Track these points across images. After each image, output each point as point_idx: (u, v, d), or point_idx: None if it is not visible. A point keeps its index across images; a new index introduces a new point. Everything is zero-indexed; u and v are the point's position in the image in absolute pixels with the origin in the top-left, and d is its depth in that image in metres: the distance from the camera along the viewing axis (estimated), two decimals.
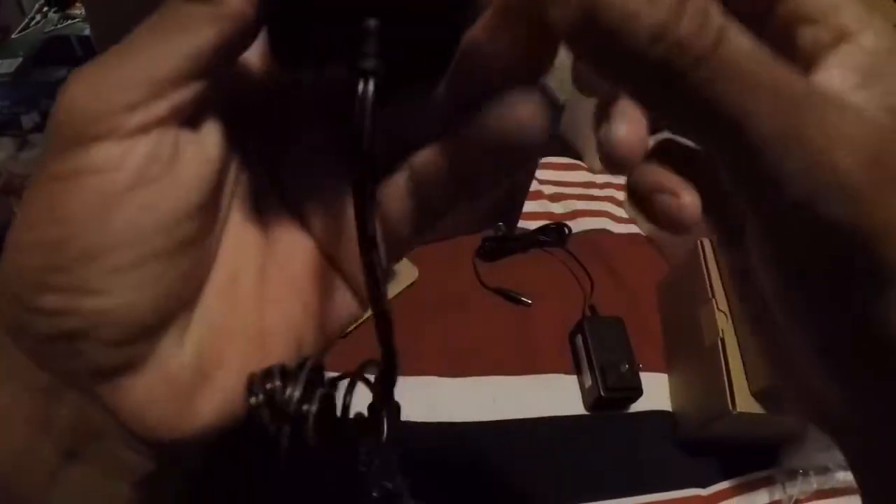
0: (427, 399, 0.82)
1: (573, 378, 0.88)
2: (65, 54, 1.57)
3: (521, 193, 0.94)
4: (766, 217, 0.27)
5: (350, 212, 0.25)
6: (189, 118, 0.27)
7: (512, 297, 0.94)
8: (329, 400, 0.27)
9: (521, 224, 1.02)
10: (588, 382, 0.86)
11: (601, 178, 1.17)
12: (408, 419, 0.81)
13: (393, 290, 0.89)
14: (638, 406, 0.87)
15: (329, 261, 0.32)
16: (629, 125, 0.28)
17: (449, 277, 0.95)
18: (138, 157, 0.25)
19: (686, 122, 0.25)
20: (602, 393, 0.83)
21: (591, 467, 0.82)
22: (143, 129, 0.25)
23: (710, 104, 0.23)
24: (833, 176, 0.23)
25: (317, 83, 0.31)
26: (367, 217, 0.25)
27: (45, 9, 1.62)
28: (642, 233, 1.10)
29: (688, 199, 0.28)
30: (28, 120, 1.44)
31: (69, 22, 1.60)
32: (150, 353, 0.27)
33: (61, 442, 0.28)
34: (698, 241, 0.92)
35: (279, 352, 0.30)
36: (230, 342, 0.30)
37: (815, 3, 0.27)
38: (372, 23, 0.24)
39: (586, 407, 0.87)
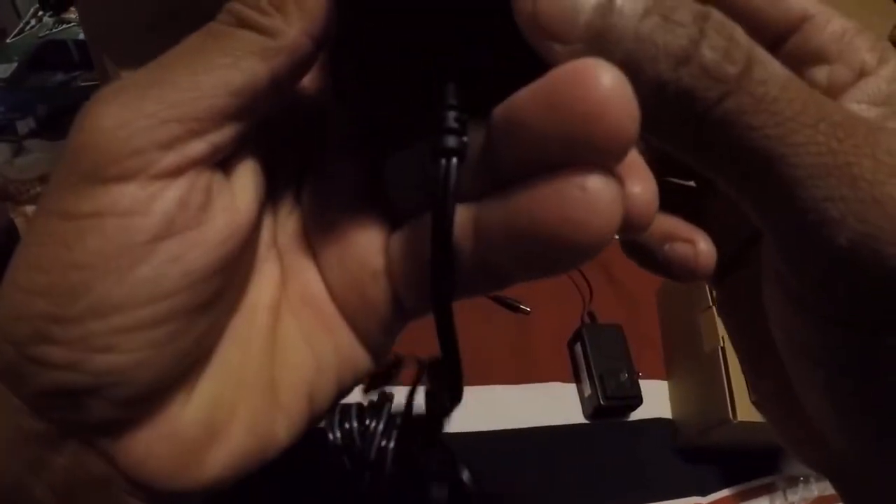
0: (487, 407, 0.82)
1: (572, 386, 0.88)
2: (60, 58, 1.56)
3: None
4: (803, 265, 0.24)
5: (364, 263, 0.25)
6: (224, 159, 0.24)
7: (510, 305, 0.93)
8: (404, 433, 0.27)
9: None
10: (587, 391, 0.86)
11: None
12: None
13: None
14: (637, 414, 0.87)
15: (342, 312, 0.29)
16: (642, 183, 0.24)
17: None
18: (168, 202, 0.22)
19: (708, 160, 0.23)
20: (601, 401, 0.83)
21: (590, 476, 0.81)
22: (176, 172, 0.22)
23: (739, 140, 0.21)
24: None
25: (355, 117, 0.28)
26: (445, 307, 0.25)
27: (41, 13, 1.61)
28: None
29: (704, 247, 0.27)
30: (23, 125, 1.43)
31: (65, 26, 1.60)
32: (159, 410, 0.24)
33: (56, 486, 0.24)
34: None
35: (291, 406, 0.28)
36: (242, 396, 0.26)
37: (829, 43, 0.26)
38: (452, 96, 0.22)
39: (586, 415, 0.86)
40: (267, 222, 0.28)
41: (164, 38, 0.82)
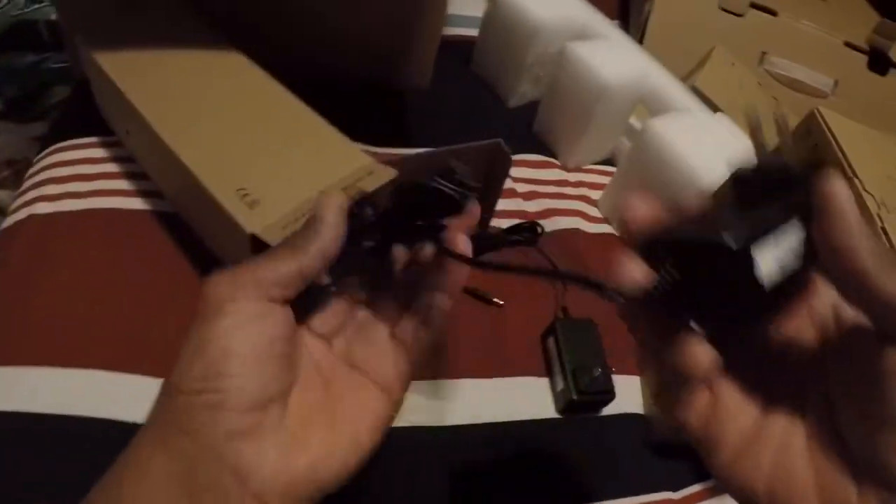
0: (454, 401, 0.82)
1: (545, 381, 0.87)
2: (32, 39, 1.54)
3: (495, 191, 0.93)
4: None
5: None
6: (278, 300, 0.46)
7: (483, 298, 0.93)
8: None
9: (494, 222, 1.00)
10: (560, 385, 0.85)
11: (574, 177, 1.16)
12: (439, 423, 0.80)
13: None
14: (610, 409, 0.87)
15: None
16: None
17: None
18: (251, 310, 0.44)
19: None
20: (574, 396, 0.82)
21: (562, 471, 0.81)
22: (253, 300, 0.44)
23: None
24: None
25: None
26: None
27: None
28: (615, 233, 1.09)
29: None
30: None
31: (36, 6, 1.57)
32: (262, 423, 0.43)
33: (193, 497, 0.41)
34: None
35: (346, 433, 0.48)
36: (312, 423, 0.46)
37: None
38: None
39: (558, 410, 0.86)
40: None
41: (136, 20, 0.82)
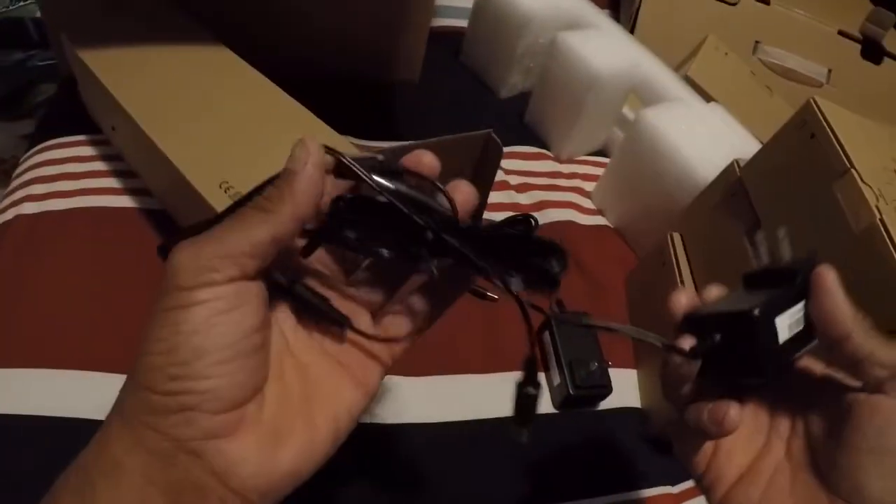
0: (391, 400, 0.80)
1: (541, 376, 0.86)
2: (18, 37, 1.53)
3: (487, 183, 0.92)
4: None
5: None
6: (254, 276, 0.41)
7: (477, 293, 0.92)
8: None
9: (486, 215, 1.00)
10: (556, 380, 0.84)
11: (567, 168, 1.15)
12: (373, 422, 0.79)
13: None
14: (607, 403, 0.86)
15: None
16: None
17: None
18: (225, 296, 0.39)
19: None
20: (571, 391, 0.82)
21: (559, 466, 0.80)
22: (226, 281, 0.39)
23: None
24: None
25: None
26: None
27: None
28: (610, 224, 1.09)
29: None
30: None
31: (22, 3, 1.56)
32: (241, 421, 0.41)
33: (171, 496, 0.39)
34: (668, 234, 0.90)
35: (326, 423, 0.45)
36: (292, 412, 0.44)
37: (892, 359, 0.44)
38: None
39: (555, 405, 0.85)
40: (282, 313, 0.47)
41: (121, 17, 0.80)
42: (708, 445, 0.53)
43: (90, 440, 0.41)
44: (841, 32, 1.37)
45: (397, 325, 0.50)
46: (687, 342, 0.49)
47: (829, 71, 1.37)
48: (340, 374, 0.47)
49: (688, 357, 0.49)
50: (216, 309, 0.39)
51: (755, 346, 0.46)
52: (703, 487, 0.53)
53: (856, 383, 0.46)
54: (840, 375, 0.49)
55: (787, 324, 0.47)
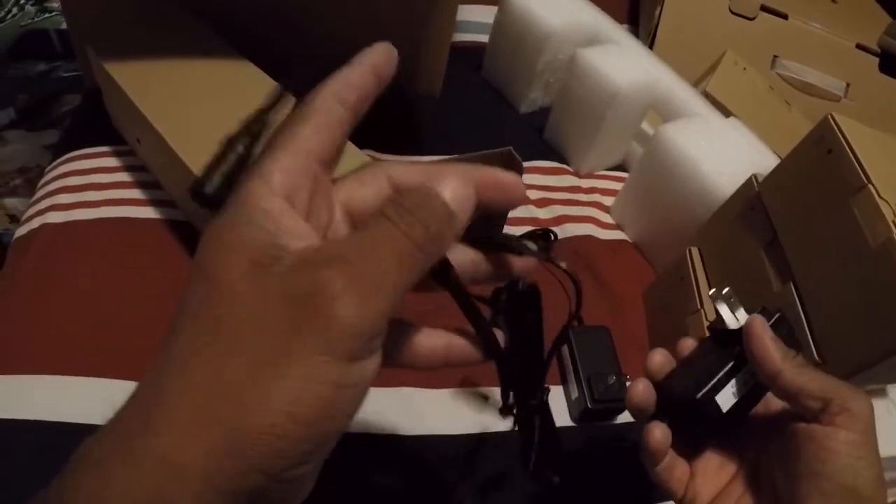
0: (409, 412, 0.81)
1: (559, 389, 0.87)
2: (42, 48, 1.54)
3: None
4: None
5: None
6: None
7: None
8: None
9: (506, 230, 1.00)
10: (574, 393, 0.85)
11: (587, 183, 1.16)
12: (394, 433, 0.79)
13: None
14: (625, 416, 0.86)
15: None
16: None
17: (430, 284, 0.93)
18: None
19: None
20: (589, 404, 0.82)
21: (577, 479, 0.80)
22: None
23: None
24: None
25: None
26: None
27: (22, 1, 1.59)
28: (628, 239, 1.09)
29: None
30: (3, 116, 1.42)
31: (47, 15, 1.58)
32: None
33: None
34: (687, 249, 0.91)
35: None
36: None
37: (822, 390, 0.49)
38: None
39: (573, 418, 0.86)
40: None
41: (147, 30, 0.81)
42: (684, 471, 0.58)
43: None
44: (859, 46, 1.36)
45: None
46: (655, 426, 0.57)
47: (848, 85, 1.37)
48: None
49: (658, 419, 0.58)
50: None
51: (703, 420, 0.56)
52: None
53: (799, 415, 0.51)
54: (790, 409, 0.53)
55: (731, 392, 0.55)
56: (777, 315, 0.56)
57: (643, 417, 0.59)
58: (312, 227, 0.35)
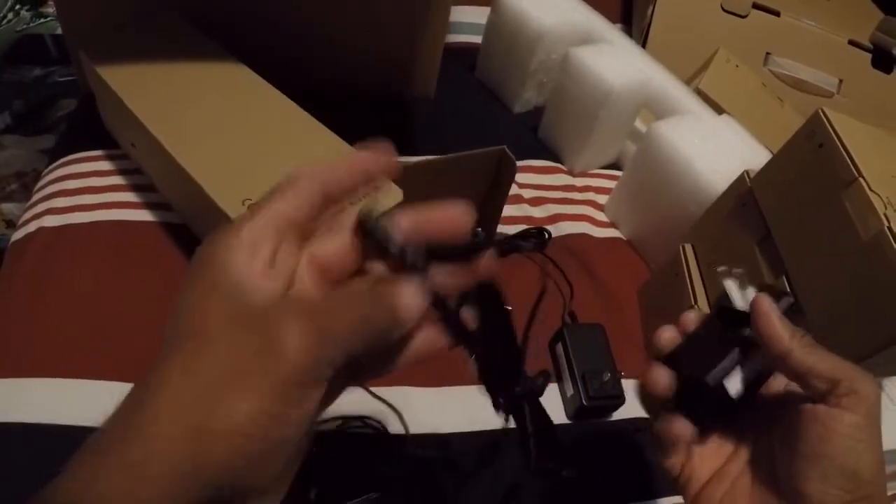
0: (406, 411, 0.81)
1: (554, 386, 0.87)
2: (38, 53, 1.54)
3: (501, 198, 0.93)
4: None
5: None
6: None
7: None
8: None
9: (500, 228, 1.01)
10: (570, 391, 0.85)
11: (581, 182, 1.16)
12: (398, 432, 0.80)
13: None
14: (620, 413, 0.87)
15: None
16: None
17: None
18: None
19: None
20: (584, 402, 0.83)
21: (573, 476, 0.81)
22: None
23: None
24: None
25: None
26: None
27: (18, 6, 1.59)
28: (623, 237, 1.10)
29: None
30: None
31: (42, 20, 1.57)
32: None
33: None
34: (681, 246, 0.91)
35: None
36: None
37: (830, 371, 0.48)
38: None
39: (568, 416, 0.86)
40: None
41: (139, 34, 0.82)
42: (682, 450, 0.58)
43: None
44: (851, 42, 1.37)
45: None
46: (660, 384, 0.56)
47: (840, 81, 1.37)
48: None
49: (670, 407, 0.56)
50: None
51: (711, 405, 0.55)
52: (680, 485, 0.58)
53: (805, 395, 0.50)
54: (796, 389, 0.52)
55: (739, 376, 0.54)
56: (784, 296, 0.57)
57: (657, 405, 0.58)
58: (275, 274, 0.41)
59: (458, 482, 0.78)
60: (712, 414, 0.56)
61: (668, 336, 0.59)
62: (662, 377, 0.56)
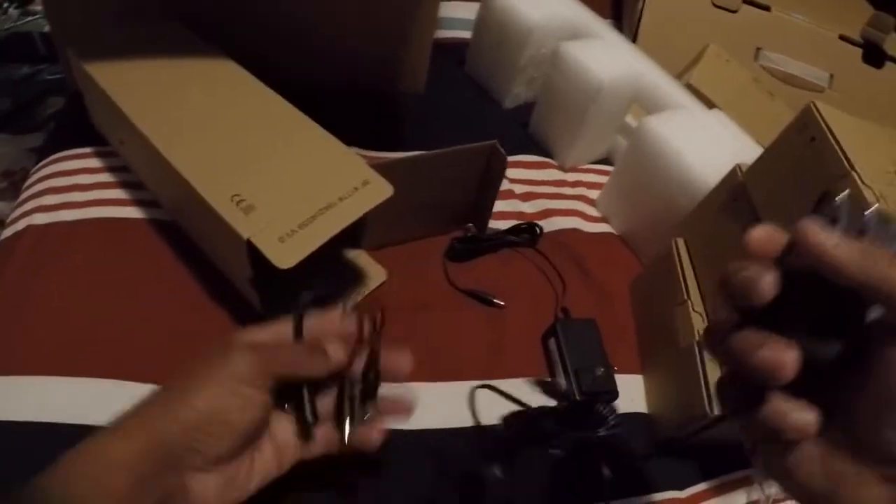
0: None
1: (547, 382, 0.87)
2: (26, 51, 1.54)
3: (492, 193, 0.93)
4: None
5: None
6: None
7: (484, 300, 0.93)
8: None
9: (492, 224, 1.00)
10: (563, 386, 0.85)
11: (572, 177, 1.16)
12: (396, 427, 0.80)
13: (360, 292, 0.88)
14: None
15: None
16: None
17: (418, 280, 0.93)
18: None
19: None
20: (577, 397, 0.82)
21: (567, 471, 0.81)
22: None
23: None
24: None
25: None
26: None
27: (5, 4, 1.58)
28: (614, 231, 1.09)
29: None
30: None
31: (30, 18, 1.57)
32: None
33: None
34: (672, 240, 0.91)
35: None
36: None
37: None
38: None
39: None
40: None
41: (127, 31, 0.82)
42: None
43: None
44: (842, 37, 1.37)
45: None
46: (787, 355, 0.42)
47: (831, 76, 1.38)
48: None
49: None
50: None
51: (851, 323, 0.42)
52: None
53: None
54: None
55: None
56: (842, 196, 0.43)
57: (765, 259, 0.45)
58: None
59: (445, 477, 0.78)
60: (836, 341, 0.43)
61: (770, 280, 0.43)
62: (787, 354, 0.42)
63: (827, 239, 0.41)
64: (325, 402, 0.67)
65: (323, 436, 0.66)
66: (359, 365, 0.67)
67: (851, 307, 0.42)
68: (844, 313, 0.43)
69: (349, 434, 0.65)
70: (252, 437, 0.60)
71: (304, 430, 0.65)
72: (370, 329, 0.68)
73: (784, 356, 0.41)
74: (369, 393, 0.67)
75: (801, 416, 0.43)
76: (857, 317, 0.42)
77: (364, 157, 0.78)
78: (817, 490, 0.43)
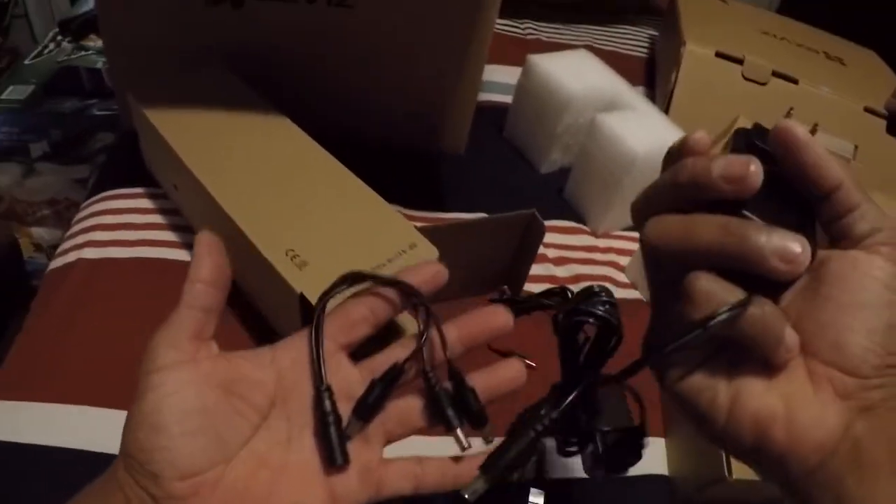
0: None
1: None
2: (76, 85, 1.58)
3: (529, 258, 0.96)
4: None
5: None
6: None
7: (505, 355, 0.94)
8: None
9: (526, 287, 1.03)
10: (588, 446, 0.87)
11: (604, 243, 1.18)
12: None
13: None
14: (636, 470, 0.88)
15: None
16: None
17: None
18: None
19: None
20: (602, 457, 0.84)
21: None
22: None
23: None
24: None
25: None
26: None
27: (59, 38, 1.63)
28: (643, 298, 1.12)
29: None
30: (37, 148, 1.45)
31: (82, 53, 1.61)
32: (199, 487, 0.47)
33: None
34: None
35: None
36: (252, 495, 0.50)
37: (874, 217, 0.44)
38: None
39: (586, 470, 0.87)
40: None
41: (186, 80, 0.87)
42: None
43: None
44: (867, 109, 1.39)
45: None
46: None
47: (856, 147, 1.39)
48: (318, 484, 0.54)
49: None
50: (170, 389, 0.50)
51: (807, 228, 0.46)
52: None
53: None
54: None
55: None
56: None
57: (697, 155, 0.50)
58: None
59: None
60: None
61: (756, 169, 0.45)
62: (750, 163, 0.44)
63: (806, 133, 0.45)
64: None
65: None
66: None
67: (808, 213, 0.46)
68: (802, 220, 0.46)
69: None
70: None
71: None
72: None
73: (747, 164, 0.44)
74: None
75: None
76: (812, 223, 0.46)
77: (406, 215, 0.80)
78: (765, 413, 0.46)
